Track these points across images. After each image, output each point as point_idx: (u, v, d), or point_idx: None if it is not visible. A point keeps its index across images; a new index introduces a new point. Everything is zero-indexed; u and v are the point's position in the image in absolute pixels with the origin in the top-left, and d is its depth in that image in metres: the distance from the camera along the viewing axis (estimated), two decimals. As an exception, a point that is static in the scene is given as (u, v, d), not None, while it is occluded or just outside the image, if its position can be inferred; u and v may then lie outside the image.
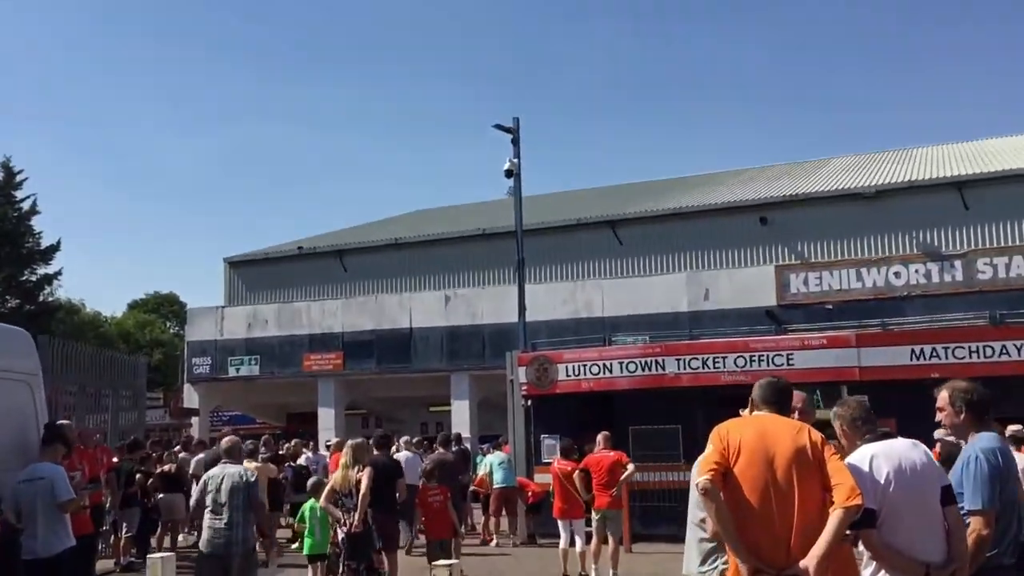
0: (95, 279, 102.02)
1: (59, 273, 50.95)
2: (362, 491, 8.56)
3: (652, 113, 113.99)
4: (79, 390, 12.73)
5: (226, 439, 8.65)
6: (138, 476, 12.63)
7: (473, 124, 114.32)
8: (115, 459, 12.38)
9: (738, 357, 15.18)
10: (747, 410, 4.94)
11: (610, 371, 15.96)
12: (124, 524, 12.74)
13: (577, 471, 12.17)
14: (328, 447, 17.59)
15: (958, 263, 23.77)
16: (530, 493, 15.87)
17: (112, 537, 13.10)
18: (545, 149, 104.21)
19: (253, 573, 8.22)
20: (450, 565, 4.49)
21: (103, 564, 13.06)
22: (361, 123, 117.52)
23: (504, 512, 15.82)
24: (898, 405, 11.47)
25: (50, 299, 52.00)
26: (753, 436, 4.09)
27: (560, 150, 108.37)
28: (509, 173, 18.31)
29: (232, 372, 30.27)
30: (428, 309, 28.55)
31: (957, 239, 24.52)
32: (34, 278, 50.16)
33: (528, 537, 15.79)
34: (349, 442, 9.16)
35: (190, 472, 14.89)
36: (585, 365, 16.16)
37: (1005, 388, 13.63)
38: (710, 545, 4.69)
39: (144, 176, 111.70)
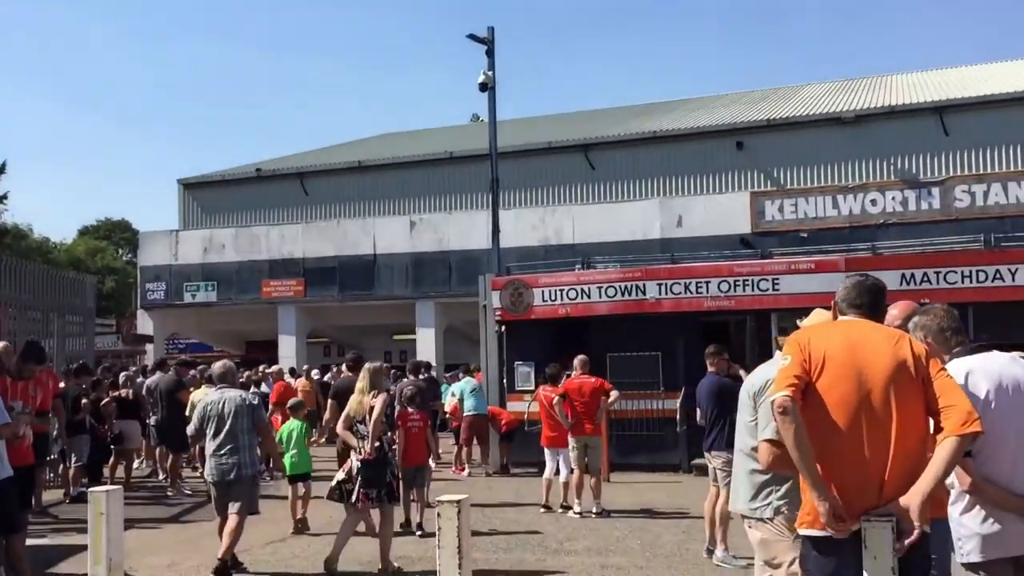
0: (43, 204, 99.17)
1: (4, 196, 49.24)
2: (374, 417, 7.90)
3: (629, 36, 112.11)
4: (20, 311, 11.75)
5: (218, 364, 8.32)
6: (84, 402, 11.76)
7: (441, 45, 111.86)
8: (60, 384, 11.51)
9: (721, 282, 14.58)
10: (807, 320, 4.21)
11: (588, 296, 15.29)
12: (72, 453, 11.92)
13: (556, 397, 11.53)
14: (293, 374, 16.86)
15: (936, 190, 23.30)
16: (503, 422, 15.28)
17: (60, 466, 12.29)
18: (516, 73, 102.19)
19: (256, 497, 8.05)
20: (459, 500, 3.75)
21: (53, 494, 12.29)
22: (323, 43, 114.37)
23: (475, 441, 15.21)
24: None
25: (-3, 223, 50.26)
26: (840, 346, 3.29)
27: (532, 75, 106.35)
28: (484, 86, 17.31)
29: (188, 298, 29.23)
30: (392, 235, 27.63)
31: (935, 166, 24.03)
32: (-22, 201, 48.40)
33: (501, 467, 15.25)
34: (367, 366, 8.39)
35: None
36: (562, 290, 15.47)
37: (999, 313, 13.26)
38: (763, 477, 3.99)
39: (94, 97, 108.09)
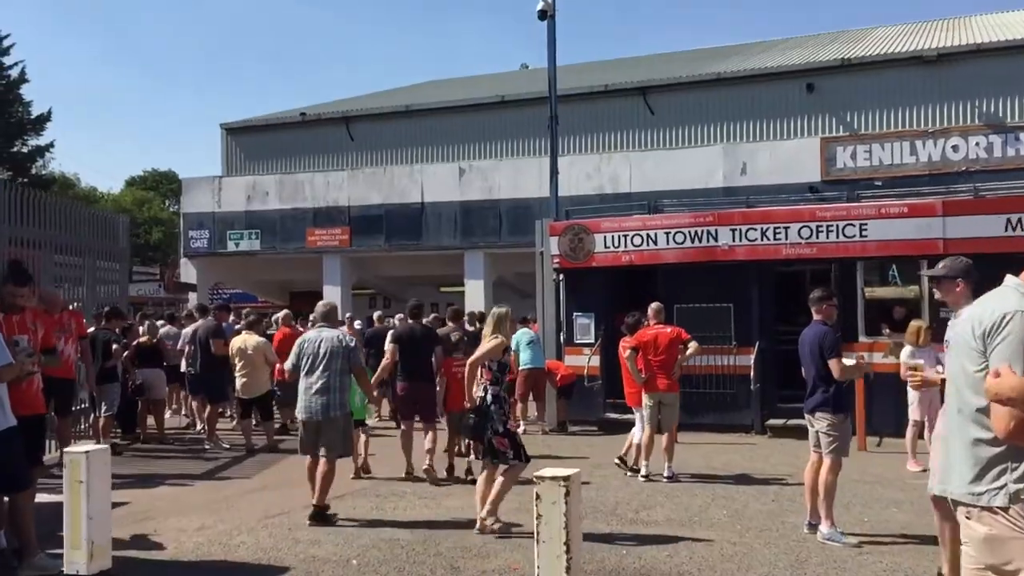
0: (90, 154, 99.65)
1: (51, 145, 49.11)
2: (471, 359, 7.50)
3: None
4: (44, 249, 10.89)
5: (321, 303, 8.21)
6: (115, 348, 10.94)
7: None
8: (90, 329, 10.71)
9: (802, 227, 13.31)
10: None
11: (654, 242, 14.12)
12: (102, 402, 11.13)
13: (628, 350, 10.46)
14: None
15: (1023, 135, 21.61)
16: (559, 376, 14.27)
17: (92, 416, 11.52)
18: (573, 20, 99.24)
19: (349, 439, 7.98)
20: (567, 479, 2.70)
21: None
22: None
23: (531, 396, 14.21)
24: (988, 283, 9.64)
25: (43, 172, 50.13)
26: None
27: (588, 22, 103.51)
28: (543, 14, 16.04)
29: (231, 247, 28.47)
30: (441, 182, 26.50)
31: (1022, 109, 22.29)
32: (25, 149, 48.22)
33: (558, 424, 14.26)
34: (494, 310, 7.79)
35: (179, 344, 13.28)
36: (626, 235, 14.30)
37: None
38: (994, 451, 2.84)
39: (139, 48, 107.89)
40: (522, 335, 14.07)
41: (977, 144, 21.95)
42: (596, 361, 14.45)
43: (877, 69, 23.85)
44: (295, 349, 7.84)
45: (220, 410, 12.78)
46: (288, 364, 8.00)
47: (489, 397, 7.29)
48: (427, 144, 28.39)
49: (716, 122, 25.16)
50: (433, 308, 30.12)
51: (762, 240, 13.53)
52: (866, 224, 12.95)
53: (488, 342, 7.40)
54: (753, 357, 13.35)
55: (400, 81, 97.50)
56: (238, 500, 8.53)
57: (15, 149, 47.51)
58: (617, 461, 10.22)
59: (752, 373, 13.23)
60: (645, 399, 10.10)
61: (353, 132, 29.49)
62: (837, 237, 13.11)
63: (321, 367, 7.53)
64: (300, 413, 7.68)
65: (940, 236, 12.50)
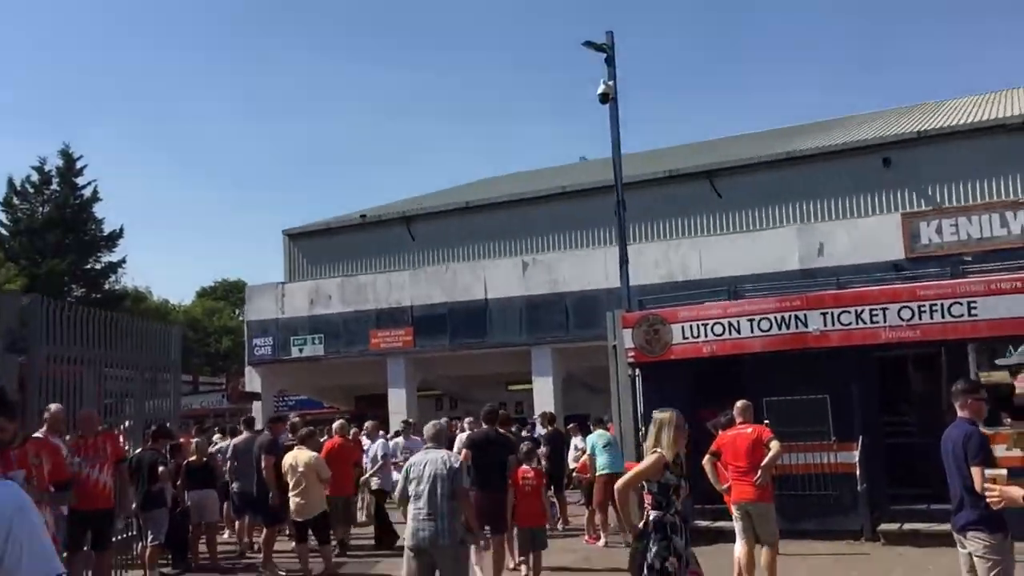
0: (161, 267, 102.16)
1: (123, 261, 50.12)
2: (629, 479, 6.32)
3: (747, 72, 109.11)
4: (87, 366, 10.27)
5: (430, 424, 7.85)
6: (161, 470, 10.15)
7: (542, 90, 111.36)
8: (127, 448, 9.96)
9: (902, 308, 12.09)
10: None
11: (738, 330, 13.01)
12: (148, 530, 10.29)
13: (707, 456, 9.35)
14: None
15: None
16: (643, 481, 13.06)
17: (139, 545, 10.68)
18: (634, 111, 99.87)
19: (464, 568, 7.43)
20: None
21: (131, 576, 10.70)
22: (425, 105, 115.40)
23: (612, 505, 12.98)
24: None
25: (116, 287, 51.01)
26: None
27: (649, 110, 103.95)
28: (604, 97, 15.36)
29: (295, 352, 28.00)
30: (504, 277, 25.83)
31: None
32: (98, 266, 49.27)
33: (642, 535, 12.98)
34: (655, 415, 6.38)
35: (225, 459, 12.49)
36: (706, 324, 13.23)
37: None
38: None
39: (205, 162, 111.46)
40: (598, 437, 13.00)
41: (1075, 211, 20.55)
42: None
43: (957, 139, 22.72)
44: (402, 474, 7.52)
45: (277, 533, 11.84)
46: (396, 493, 7.60)
47: (652, 525, 5.98)
48: (489, 240, 27.85)
49: (787, 202, 24.15)
50: (502, 407, 29.14)
51: (857, 323, 12.33)
52: (975, 301, 11.70)
53: (647, 458, 6.15)
54: (857, 453, 12.02)
55: (458, 180, 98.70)
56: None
57: (88, 266, 48.57)
58: None
59: (857, 471, 11.88)
60: (733, 511, 8.93)
61: (414, 231, 29.15)
62: (943, 317, 11.86)
63: (427, 492, 7.15)
64: (408, 541, 7.24)
65: (1062, 312, 11.21)
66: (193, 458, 11.51)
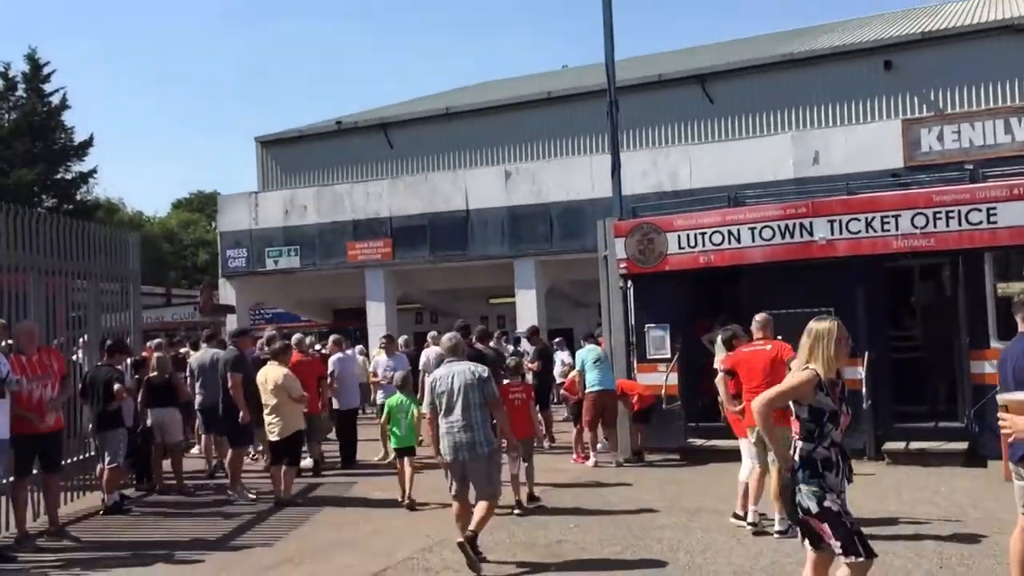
0: (135, 179, 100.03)
1: (95, 171, 48.82)
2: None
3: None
4: (35, 275, 9.34)
5: (447, 336, 7.71)
6: (116, 387, 9.30)
7: (522, 4, 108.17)
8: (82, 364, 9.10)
9: (916, 214, 11.29)
10: None
11: (738, 239, 12.20)
12: (105, 452, 9.52)
13: (720, 374, 8.61)
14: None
15: None
16: (635, 398, 12.40)
17: (99, 467, 9.92)
18: (627, 11, 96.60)
19: (498, 477, 7.36)
20: None
21: (89, 501, 9.97)
22: (404, 12, 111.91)
23: (601, 422, 12.34)
24: None
25: (88, 198, 49.58)
26: None
27: (639, 13, 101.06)
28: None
29: (270, 264, 26.98)
30: (486, 187, 24.75)
31: None
32: (69, 176, 47.91)
33: (633, 454, 12.39)
34: (811, 325, 5.12)
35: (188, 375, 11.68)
36: (704, 233, 12.40)
37: None
38: None
39: (178, 71, 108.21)
40: (588, 352, 12.25)
41: (1082, 118, 19.69)
42: (674, 379, 12.57)
43: (962, 41, 21.68)
44: (428, 389, 7.40)
45: (246, 454, 11.12)
46: (424, 406, 7.56)
47: (797, 459, 5.00)
48: (470, 148, 26.73)
49: (783, 108, 23.13)
50: (482, 321, 28.48)
51: (867, 232, 11.53)
52: (995, 208, 10.91)
53: (793, 375, 5.08)
54: (863, 369, 11.36)
55: (438, 89, 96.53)
56: (255, 579, 6.80)
57: (59, 176, 47.15)
58: (733, 519, 8.25)
59: (863, 389, 11.24)
60: (748, 433, 8.23)
61: (392, 139, 27.97)
62: (960, 225, 11.07)
63: (460, 404, 7.10)
64: (446, 455, 7.13)
65: (1088, 218, 10.44)
66: (154, 374, 10.66)
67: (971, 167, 20.31)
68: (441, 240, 25.04)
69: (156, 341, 13.38)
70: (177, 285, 50.98)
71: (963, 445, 10.99)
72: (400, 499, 9.60)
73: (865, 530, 5.79)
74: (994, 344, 10.99)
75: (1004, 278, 11.09)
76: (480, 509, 7.05)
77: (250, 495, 10.14)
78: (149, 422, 10.51)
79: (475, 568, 6.75)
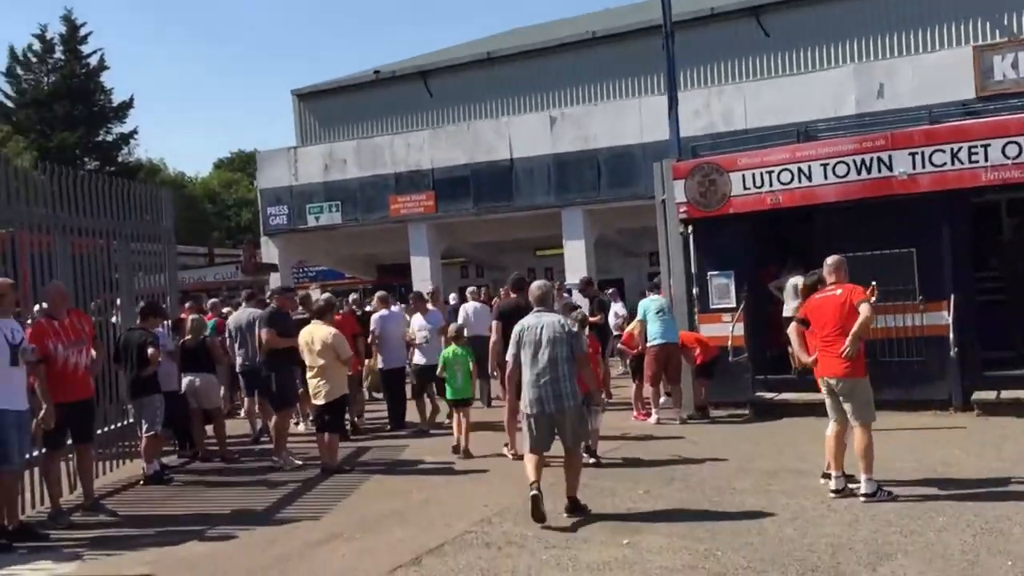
0: (176, 139, 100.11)
1: (135, 132, 48.85)
2: None
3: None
4: (59, 234, 8.79)
5: (536, 285, 7.43)
6: (151, 352, 8.75)
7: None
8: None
9: (1008, 143, 10.29)
10: None
11: (808, 177, 11.29)
12: (143, 419, 9.02)
13: (793, 323, 7.81)
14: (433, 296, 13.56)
15: None
16: (698, 350, 11.64)
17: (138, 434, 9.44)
18: None
19: (585, 429, 7.48)
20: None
21: (130, 470, 9.53)
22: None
23: (664, 377, 11.61)
24: None
25: (130, 159, 49.56)
26: None
27: None
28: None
29: (311, 221, 26.42)
30: (530, 135, 23.82)
31: None
32: (110, 138, 47.93)
33: (697, 410, 11.65)
34: None
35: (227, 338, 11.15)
36: (771, 172, 11.51)
37: None
38: None
39: (213, 28, 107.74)
40: (650, 303, 11.48)
41: None
42: (740, 329, 11.78)
43: (1038, -42, 20.16)
44: (514, 337, 7.12)
45: (291, 418, 10.59)
46: (509, 355, 7.21)
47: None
48: (512, 94, 25.80)
49: (843, 39, 21.84)
50: (530, 274, 27.78)
51: (953, 164, 10.56)
52: (1098, 132, 9.88)
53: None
54: (949, 314, 10.47)
55: (478, 31, 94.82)
56: (298, 565, 6.21)
57: (100, 138, 47.15)
58: (823, 479, 7.47)
59: (951, 335, 10.35)
60: (821, 386, 7.46)
61: (432, 87, 27.13)
62: (1057, 153, 10.07)
63: (547, 356, 6.91)
64: (529, 407, 6.97)
65: None
66: (188, 338, 10.12)
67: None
68: (485, 191, 24.26)
69: (190, 303, 12.91)
70: (220, 245, 50.92)
71: (1061, 393, 10.10)
72: (455, 449, 9.70)
73: (973, 493, 4.95)
74: (1097, 285, 10.06)
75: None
76: (571, 463, 7.04)
77: (296, 461, 9.61)
78: (183, 388, 9.97)
79: (583, 511, 6.91)
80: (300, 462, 9.61)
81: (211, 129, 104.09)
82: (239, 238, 57.51)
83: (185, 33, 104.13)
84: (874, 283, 7.54)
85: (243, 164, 70.49)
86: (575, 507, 6.98)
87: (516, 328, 7.27)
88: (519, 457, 8.40)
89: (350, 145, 26.33)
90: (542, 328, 7.02)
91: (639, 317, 11.56)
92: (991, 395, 10.40)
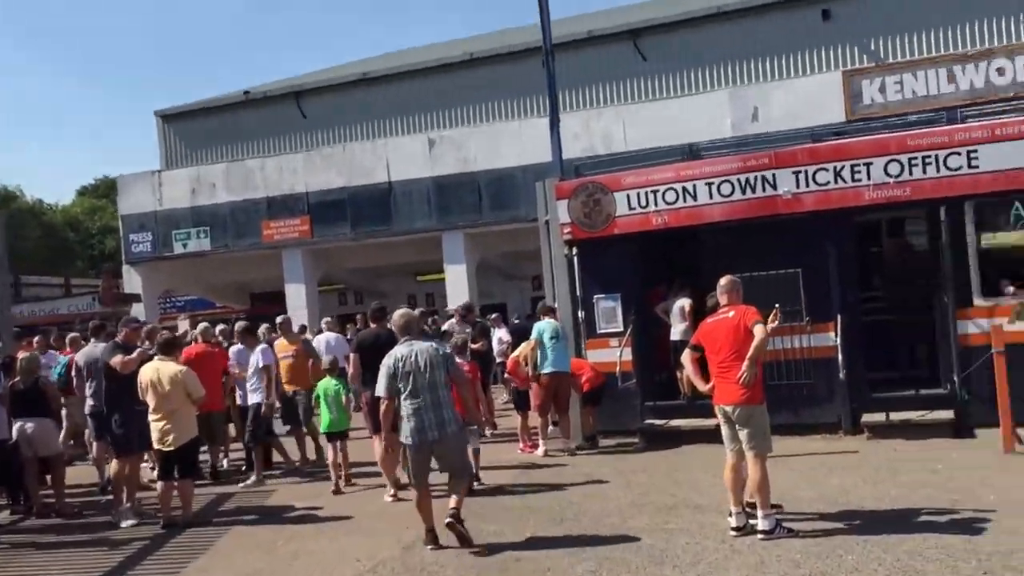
0: (41, 167, 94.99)
1: (-11, 159, 45.53)
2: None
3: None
4: None
5: (398, 314, 7.29)
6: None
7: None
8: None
9: (890, 161, 10.20)
10: None
11: (694, 197, 10.97)
12: (-38, 475, 7.86)
13: (686, 350, 7.36)
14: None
15: (1080, 52, 18.74)
16: (584, 379, 11.13)
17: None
18: None
19: (467, 453, 7.53)
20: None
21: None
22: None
23: (554, 407, 11.04)
24: None
25: (-18, 188, 46.42)
26: None
27: None
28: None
29: (178, 248, 24.98)
30: (409, 157, 23.20)
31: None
32: (-41, 165, 44.68)
33: (586, 440, 11.13)
34: None
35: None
36: (657, 191, 11.14)
37: None
38: None
39: (75, 54, 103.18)
40: (546, 326, 10.87)
41: (1026, 65, 19.06)
42: (628, 354, 11.33)
43: (902, -12, 20.80)
44: (386, 369, 6.85)
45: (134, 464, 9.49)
46: (382, 389, 6.87)
47: None
48: (390, 115, 25.10)
49: (718, 63, 22.05)
50: (411, 300, 27.00)
51: (836, 183, 10.41)
52: (975, 151, 9.87)
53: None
54: (837, 336, 10.27)
55: (353, 57, 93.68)
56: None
57: (-54, 164, 43.98)
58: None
59: (839, 356, 10.14)
60: (718, 414, 7.02)
61: (305, 108, 26.14)
62: (938, 171, 10.02)
63: (426, 382, 6.80)
64: (409, 438, 6.79)
65: (1077, 159, 9.47)
66: (18, 379, 8.97)
67: (915, 119, 19.58)
68: (363, 215, 23.47)
69: (38, 338, 11.66)
70: (83, 275, 48.14)
71: (949, 414, 10.00)
72: (336, 492, 9.23)
73: (878, 525, 4.55)
74: (978, 301, 10.02)
75: (987, 228, 10.09)
76: (456, 486, 6.90)
77: (131, 519, 8.48)
78: (14, 435, 8.81)
79: (469, 542, 6.71)
80: (135, 520, 8.48)
81: (75, 156, 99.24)
82: (102, 267, 54.68)
83: (43, 60, 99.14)
84: (777, 306, 7.15)
85: (108, 191, 67.23)
86: (459, 523, 6.79)
87: (388, 361, 6.95)
88: (398, 493, 8.39)
89: (219, 168, 25.07)
90: (416, 355, 6.86)
91: (534, 337, 10.93)
92: (880, 417, 10.23)
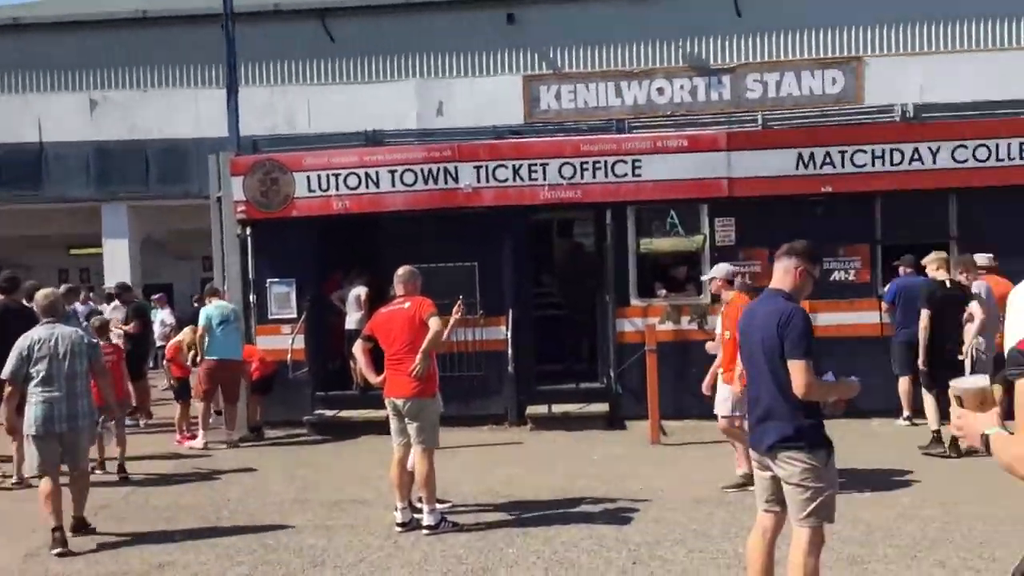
0: None
1: None
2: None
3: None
4: None
5: (42, 294, 6.72)
6: None
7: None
8: None
9: (564, 164, 10.64)
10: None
11: (377, 184, 10.78)
12: None
13: (359, 341, 7.15)
14: None
15: (726, 78, 20.84)
16: (254, 366, 10.55)
17: None
18: None
19: (86, 450, 6.79)
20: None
21: None
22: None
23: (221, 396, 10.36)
24: (779, 230, 7.71)
25: None
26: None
27: None
28: None
29: None
30: (66, 118, 20.98)
31: (726, 52, 21.44)
32: None
33: (251, 431, 10.56)
34: None
35: None
36: (338, 175, 10.81)
37: (919, 205, 10.49)
38: None
39: None
40: (213, 311, 10.11)
41: (682, 87, 20.91)
42: (301, 342, 10.92)
43: (581, 1, 21.91)
44: (19, 352, 6.36)
45: None
46: (6, 371, 6.40)
47: None
48: (45, 68, 22.35)
49: (407, 53, 21.92)
50: (62, 275, 24.49)
51: (515, 180, 10.69)
52: (639, 160, 10.55)
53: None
54: (508, 330, 10.55)
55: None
56: None
57: None
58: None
59: (509, 350, 10.41)
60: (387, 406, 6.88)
61: (-59, 51, 22.66)
62: (606, 176, 10.60)
63: (64, 371, 6.36)
64: (33, 428, 6.28)
65: (725, 175, 10.43)
66: None
67: (585, 128, 20.74)
68: (9, 177, 20.85)
69: None
70: None
71: (604, 407, 10.63)
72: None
73: (538, 517, 4.62)
74: (634, 302, 10.73)
75: (646, 234, 10.83)
76: (78, 488, 6.55)
77: None
78: None
79: (91, 531, 6.54)
80: None
81: None
82: None
83: None
84: (460, 298, 7.14)
85: None
86: (82, 526, 6.56)
87: (23, 342, 6.42)
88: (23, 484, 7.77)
89: None
90: (56, 341, 6.40)
91: (201, 323, 10.12)
92: (544, 409, 10.65)
